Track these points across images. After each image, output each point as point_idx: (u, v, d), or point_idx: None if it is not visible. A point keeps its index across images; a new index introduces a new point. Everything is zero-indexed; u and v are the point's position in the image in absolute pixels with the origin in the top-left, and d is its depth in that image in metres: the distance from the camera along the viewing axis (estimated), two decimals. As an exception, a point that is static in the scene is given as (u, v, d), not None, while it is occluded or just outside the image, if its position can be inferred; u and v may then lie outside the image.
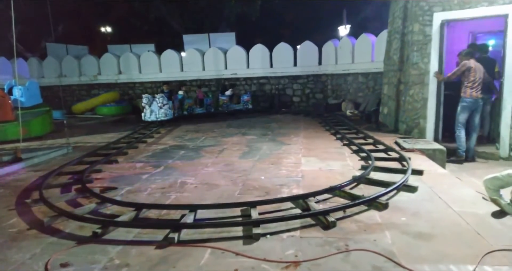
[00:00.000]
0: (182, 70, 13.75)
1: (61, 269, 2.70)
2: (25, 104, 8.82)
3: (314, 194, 3.89)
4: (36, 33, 16.64)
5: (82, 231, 3.35)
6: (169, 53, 13.76)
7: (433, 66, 7.06)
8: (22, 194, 4.49)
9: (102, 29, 23.51)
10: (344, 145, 6.58)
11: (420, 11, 7.14)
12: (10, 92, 9.56)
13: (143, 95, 9.99)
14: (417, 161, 5.26)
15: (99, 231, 3.20)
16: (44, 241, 3.19)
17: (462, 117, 6.46)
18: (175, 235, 3.07)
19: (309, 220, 3.39)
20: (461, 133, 6.48)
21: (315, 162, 5.55)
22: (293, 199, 3.83)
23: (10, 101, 8.85)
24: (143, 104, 9.95)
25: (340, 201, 3.83)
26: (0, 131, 8.15)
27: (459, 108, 6.50)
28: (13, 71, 13.05)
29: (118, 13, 20.99)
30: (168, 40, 18.21)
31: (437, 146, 6.14)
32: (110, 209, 3.88)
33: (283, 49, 13.08)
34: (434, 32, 6.98)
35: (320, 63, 12.85)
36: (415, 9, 7.25)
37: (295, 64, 13.06)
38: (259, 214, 3.49)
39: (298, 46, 13.30)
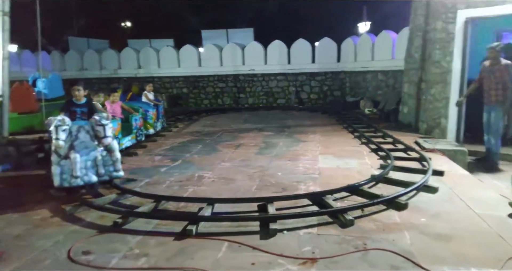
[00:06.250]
0: (200, 65, 13.83)
1: (83, 257, 2.78)
2: (48, 96, 9.04)
3: (332, 191, 3.88)
4: (59, 27, 17.05)
5: (103, 221, 3.43)
6: (187, 49, 13.84)
7: (456, 65, 6.89)
8: (45, 183, 4.60)
9: (122, 24, 23.85)
10: (362, 143, 6.50)
11: (443, 8, 6.98)
12: (34, 84, 9.82)
13: (50, 120, 3.99)
14: (438, 162, 5.16)
15: (119, 221, 3.28)
16: (67, 229, 3.29)
17: (502, 123, 6.04)
18: (193, 228, 3.12)
19: (326, 218, 3.38)
20: (499, 141, 6.02)
21: (333, 159, 5.51)
22: (310, 196, 3.82)
23: (34, 93, 9.11)
24: (54, 145, 3.92)
25: (358, 200, 3.80)
26: (25, 122, 8.41)
27: (499, 114, 5.92)
28: (37, 64, 13.42)
29: (138, 8, 21.23)
30: (186, 35, 18.32)
31: (458, 146, 6.01)
32: (130, 200, 3.96)
33: (301, 45, 12.98)
34: (457, 30, 6.81)
35: (338, 60, 12.71)
36: (438, 6, 7.08)
37: (313, 61, 12.96)
38: (276, 209, 3.50)
39: (317, 43, 13.18)
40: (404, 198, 3.69)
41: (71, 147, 3.99)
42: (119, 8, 21.62)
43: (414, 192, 3.93)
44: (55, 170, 3.90)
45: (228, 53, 13.57)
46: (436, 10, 7.12)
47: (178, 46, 14.66)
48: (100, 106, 5.88)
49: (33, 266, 2.67)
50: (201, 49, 14.42)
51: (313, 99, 13.07)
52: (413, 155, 5.48)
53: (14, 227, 3.31)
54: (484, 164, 6.01)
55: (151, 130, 7.51)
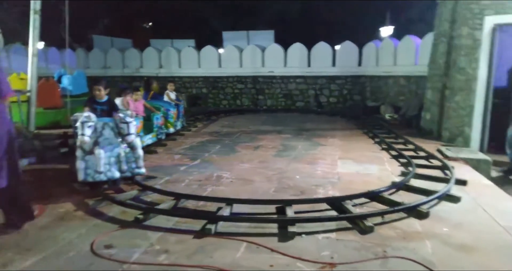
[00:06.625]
0: (220, 66, 13.93)
1: (105, 250, 2.84)
2: (72, 92, 9.27)
3: (351, 197, 3.84)
4: (84, 25, 17.48)
5: (124, 216, 3.51)
6: (208, 49, 13.97)
7: (482, 72, 6.75)
8: (69, 177, 4.71)
9: (145, 24, 24.29)
10: (383, 149, 6.41)
11: (470, 14, 6.84)
12: (59, 80, 10.10)
13: (77, 116, 4.26)
14: (461, 171, 5.04)
15: (140, 217, 3.34)
16: (89, 223, 3.37)
17: None
18: (212, 227, 3.15)
19: (345, 223, 3.35)
20: None
21: (352, 164, 5.47)
22: (329, 200, 3.81)
23: (59, 89, 9.37)
24: (79, 141, 3.99)
25: (378, 206, 3.76)
26: (50, 117, 8.65)
27: None
28: (62, 61, 13.81)
29: (161, 9, 21.57)
30: (208, 36, 18.50)
31: (482, 156, 5.87)
32: (150, 196, 4.03)
33: (321, 48, 12.91)
34: (484, 37, 6.67)
35: (359, 64, 12.59)
36: (464, 12, 6.94)
37: (333, 64, 12.87)
38: (294, 212, 3.49)
39: (338, 46, 13.08)
40: (425, 206, 3.63)
41: (96, 143, 4.07)
42: (143, 9, 22.02)
43: (436, 200, 3.86)
44: (79, 164, 3.99)
45: (248, 55, 13.62)
46: (463, 16, 6.98)
47: (199, 46, 14.81)
48: (118, 103, 5.97)
49: (58, 257, 2.75)
50: (221, 50, 14.52)
51: (333, 103, 12.97)
52: (435, 163, 5.38)
53: (40, 219, 3.41)
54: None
55: (171, 129, 7.59)
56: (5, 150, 2.99)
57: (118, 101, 5.95)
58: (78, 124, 4.02)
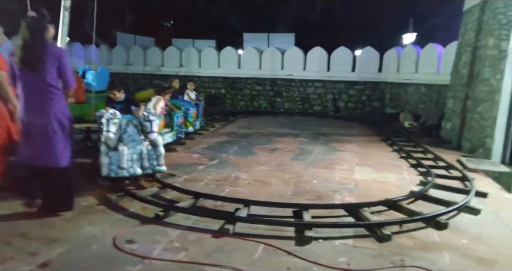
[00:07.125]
0: (239, 67, 14.03)
1: (126, 245, 2.93)
2: (96, 88, 9.48)
3: (369, 204, 3.85)
4: (108, 22, 17.86)
5: (145, 212, 3.60)
6: (228, 50, 14.09)
7: (507, 84, 6.60)
8: (91, 172, 4.83)
9: (167, 23, 24.66)
10: (402, 157, 6.36)
11: (496, 24, 6.72)
12: (83, 76, 10.35)
13: (102, 112, 4.53)
14: (481, 183, 4.97)
15: (161, 213, 3.42)
16: (112, 217, 3.47)
17: None
18: (230, 227, 3.21)
19: (362, 230, 3.36)
20: None
21: (370, 171, 5.45)
22: (347, 206, 3.82)
23: (83, 84, 9.61)
24: (104, 137, 4.11)
25: (395, 215, 3.75)
26: (74, 111, 8.82)
27: None
28: (86, 56, 14.14)
29: (184, 9, 21.86)
30: (228, 37, 18.65)
31: (504, 168, 5.76)
32: (170, 194, 4.12)
33: (342, 53, 12.86)
34: (510, 48, 6.54)
35: (380, 70, 12.48)
36: (491, 22, 6.83)
37: (353, 70, 12.80)
38: (311, 217, 3.52)
39: (358, 51, 13.00)
40: (444, 217, 3.60)
41: (120, 140, 4.23)
42: (166, 8, 22.37)
43: (455, 212, 3.82)
44: (104, 160, 4.12)
45: (268, 57, 13.67)
46: (489, 26, 6.86)
47: (219, 47, 14.94)
48: (151, 102, 6.17)
49: (83, 249, 2.85)
50: (241, 52, 14.61)
51: (350, 108, 12.89)
52: (455, 173, 5.31)
53: (66, 211, 3.53)
54: None
55: (191, 129, 7.69)
56: (68, 133, 3.36)
57: (153, 100, 6.18)
58: (103, 120, 4.17)
